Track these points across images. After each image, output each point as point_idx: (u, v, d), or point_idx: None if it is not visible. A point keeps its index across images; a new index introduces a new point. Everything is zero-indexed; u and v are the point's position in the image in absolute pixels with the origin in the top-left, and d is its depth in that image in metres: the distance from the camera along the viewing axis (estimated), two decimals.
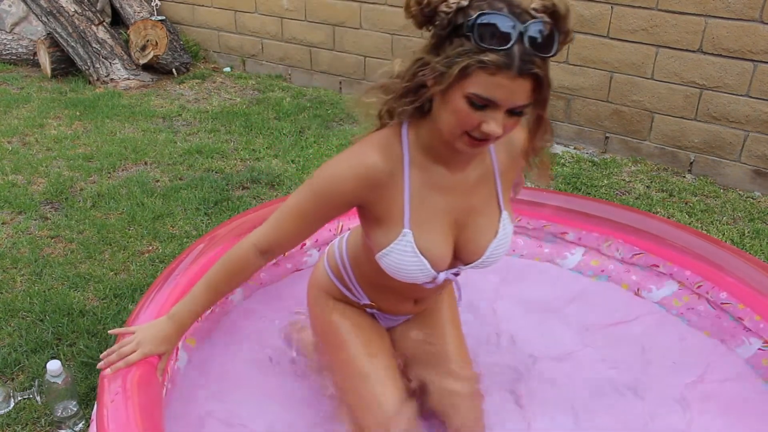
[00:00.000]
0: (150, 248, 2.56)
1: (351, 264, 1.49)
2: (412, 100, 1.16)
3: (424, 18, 1.08)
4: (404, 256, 1.25)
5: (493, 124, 1.07)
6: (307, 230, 1.30)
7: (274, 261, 2.10)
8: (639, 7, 3.28)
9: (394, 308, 1.54)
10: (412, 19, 1.10)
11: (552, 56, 1.05)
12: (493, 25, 1.01)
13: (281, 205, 1.29)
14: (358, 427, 1.43)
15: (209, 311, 1.84)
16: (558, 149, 3.68)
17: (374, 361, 1.47)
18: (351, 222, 2.08)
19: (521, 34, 1.01)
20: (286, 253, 2.13)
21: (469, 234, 1.31)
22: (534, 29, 1.02)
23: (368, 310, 1.54)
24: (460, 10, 1.03)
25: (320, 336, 1.59)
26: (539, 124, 1.19)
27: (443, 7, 1.05)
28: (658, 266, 2.06)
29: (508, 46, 1.01)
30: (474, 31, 1.01)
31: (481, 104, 1.06)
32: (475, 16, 1.01)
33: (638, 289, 2.11)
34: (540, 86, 1.06)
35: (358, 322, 1.52)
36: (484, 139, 1.11)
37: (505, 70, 1.01)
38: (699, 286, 1.95)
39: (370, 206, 1.25)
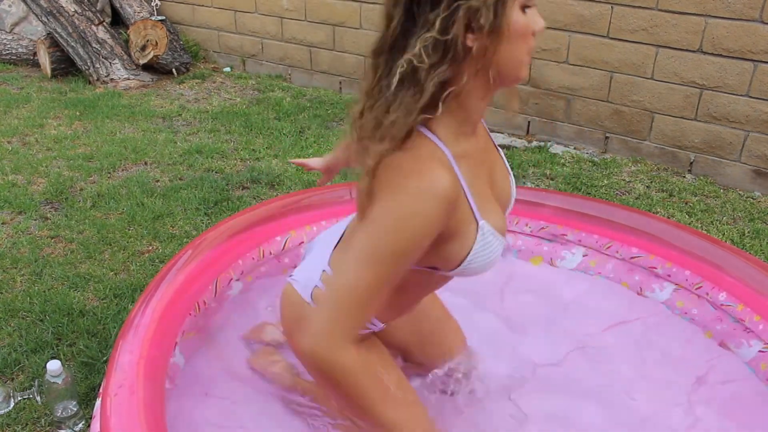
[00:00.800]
0: (150, 248, 2.56)
1: None
2: (458, 69, 1.05)
3: None
4: (489, 248, 1.17)
5: (540, 19, 1.07)
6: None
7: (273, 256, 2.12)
8: (639, 7, 3.28)
9: (404, 312, 1.46)
10: None
11: None
12: None
13: (343, 287, 1.10)
14: None
15: (206, 307, 1.84)
16: (558, 149, 3.67)
17: (404, 393, 1.40)
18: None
19: None
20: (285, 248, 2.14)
21: (498, 187, 1.28)
22: None
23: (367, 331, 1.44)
24: None
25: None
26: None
27: None
28: (656, 268, 2.06)
29: None
30: None
31: (530, 5, 1.06)
32: None
33: (641, 289, 2.10)
34: None
35: (367, 356, 1.39)
36: None
37: None
38: (699, 287, 1.95)
39: (444, 228, 1.12)
